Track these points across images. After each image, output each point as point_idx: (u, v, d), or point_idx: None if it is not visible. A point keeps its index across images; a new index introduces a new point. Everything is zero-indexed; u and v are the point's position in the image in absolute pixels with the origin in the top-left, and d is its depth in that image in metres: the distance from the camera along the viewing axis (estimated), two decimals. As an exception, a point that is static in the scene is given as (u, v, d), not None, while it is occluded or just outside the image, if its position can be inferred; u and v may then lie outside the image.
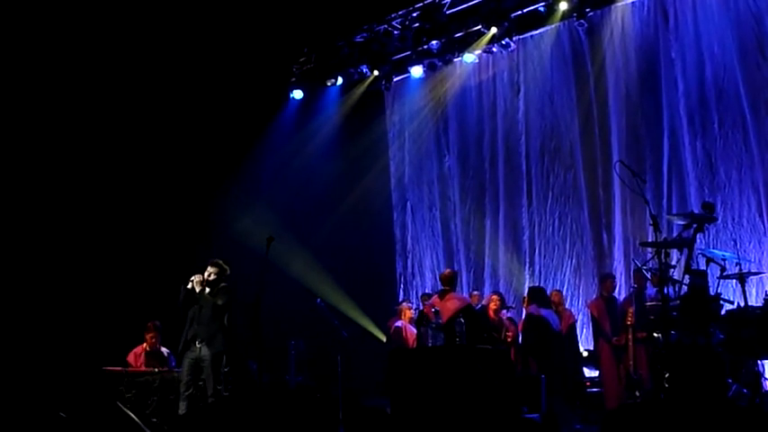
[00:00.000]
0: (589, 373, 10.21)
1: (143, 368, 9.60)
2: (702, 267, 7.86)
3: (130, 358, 9.78)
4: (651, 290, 9.23)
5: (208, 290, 8.28)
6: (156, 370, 9.40)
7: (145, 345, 9.88)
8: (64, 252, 11.07)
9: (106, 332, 10.42)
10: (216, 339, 8.18)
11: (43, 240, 11.01)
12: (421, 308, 10.42)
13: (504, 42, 11.80)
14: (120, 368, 9.38)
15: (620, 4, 11.22)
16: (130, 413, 6.69)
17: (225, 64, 12.21)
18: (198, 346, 8.18)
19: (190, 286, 8.28)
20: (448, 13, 12.15)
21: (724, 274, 7.85)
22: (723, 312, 7.79)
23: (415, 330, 10.16)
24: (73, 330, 10.59)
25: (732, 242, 9.97)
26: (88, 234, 11.36)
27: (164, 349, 9.93)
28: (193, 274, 8.34)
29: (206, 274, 8.32)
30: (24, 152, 10.98)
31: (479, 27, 11.87)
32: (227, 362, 8.61)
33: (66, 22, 10.93)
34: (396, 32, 12.74)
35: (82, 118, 11.46)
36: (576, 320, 10.50)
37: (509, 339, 10.01)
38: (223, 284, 8.36)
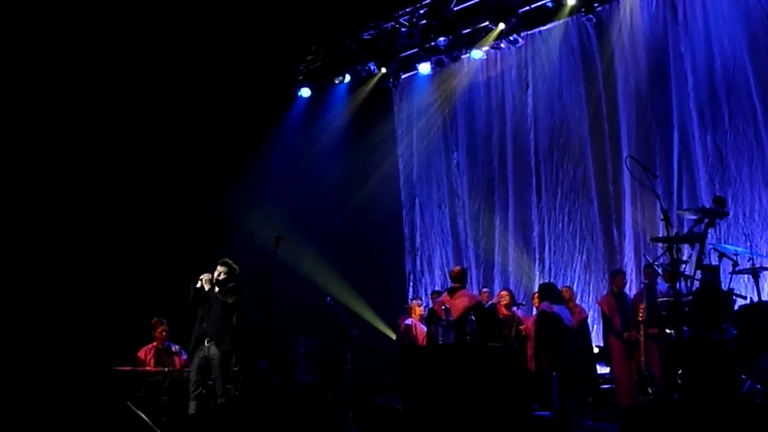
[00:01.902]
0: (600, 369, 10.16)
1: (153, 365, 9.59)
2: (714, 262, 7.80)
3: (141, 354, 9.78)
4: (662, 285, 9.18)
5: (217, 289, 8.26)
6: (167, 369, 9.40)
7: (155, 342, 9.87)
8: (73, 251, 11.07)
9: (116, 332, 10.42)
10: (225, 338, 8.15)
11: (52, 240, 11.02)
12: (431, 305, 10.39)
13: (511, 38, 11.75)
14: (130, 368, 9.38)
15: (628, -2, 11.18)
16: (141, 413, 6.67)
17: (232, 62, 12.20)
18: (207, 345, 8.15)
19: (199, 285, 8.27)
20: (455, 9, 12.09)
21: (737, 269, 7.79)
22: (736, 308, 7.74)
23: (424, 328, 10.13)
24: (83, 330, 10.59)
25: (743, 237, 9.89)
26: (97, 233, 11.37)
27: (174, 346, 9.93)
28: (202, 273, 8.33)
29: (215, 273, 8.31)
30: (34, 150, 11.00)
31: (487, 23, 11.81)
32: (237, 361, 8.59)
33: (74, 16, 10.94)
34: (403, 29, 12.70)
35: (90, 115, 11.46)
36: (587, 316, 10.44)
37: (524, 333, 9.93)
38: (232, 284, 8.34)
